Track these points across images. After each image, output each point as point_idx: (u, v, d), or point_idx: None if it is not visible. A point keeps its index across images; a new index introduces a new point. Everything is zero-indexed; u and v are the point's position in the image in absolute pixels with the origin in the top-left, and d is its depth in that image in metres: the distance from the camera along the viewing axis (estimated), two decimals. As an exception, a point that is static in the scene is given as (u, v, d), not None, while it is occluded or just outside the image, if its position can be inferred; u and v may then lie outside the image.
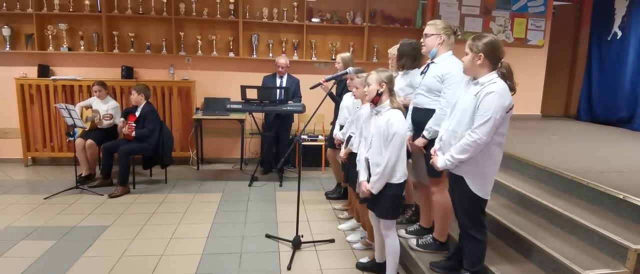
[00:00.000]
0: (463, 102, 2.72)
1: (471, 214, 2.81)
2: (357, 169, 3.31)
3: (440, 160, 2.78)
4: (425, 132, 3.25)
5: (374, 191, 3.00)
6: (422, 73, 3.39)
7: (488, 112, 2.51)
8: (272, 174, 6.34)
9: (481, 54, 2.57)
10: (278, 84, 6.13)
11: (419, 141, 3.29)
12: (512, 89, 2.61)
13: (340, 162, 4.00)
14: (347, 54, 4.96)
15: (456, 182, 2.81)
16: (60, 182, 5.58)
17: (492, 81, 2.57)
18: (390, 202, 3.03)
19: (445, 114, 3.05)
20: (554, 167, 3.75)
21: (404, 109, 3.07)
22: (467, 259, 2.92)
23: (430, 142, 3.20)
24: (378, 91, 2.98)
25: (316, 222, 4.59)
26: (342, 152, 3.94)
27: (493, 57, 2.59)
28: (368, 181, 3.07)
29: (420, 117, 3.30)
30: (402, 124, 2.94)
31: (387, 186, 2.98)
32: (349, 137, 3.83)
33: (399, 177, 2.97)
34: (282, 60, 6.12)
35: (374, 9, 6.87)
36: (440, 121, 3.10)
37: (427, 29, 3.28)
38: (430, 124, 3.21)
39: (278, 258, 3.75)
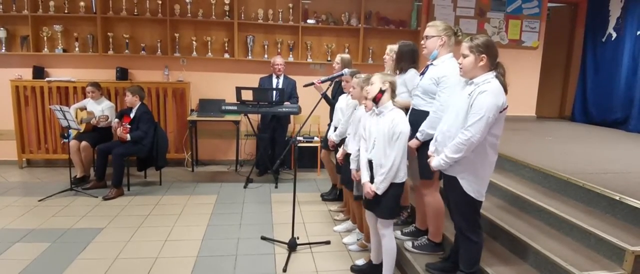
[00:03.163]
0: (457, 103, 2.73)
1: (466, 215, 2.81)
2: (351, 167, 3.36)
3: (435, 160, 2.79)
4: (418, 134, 3.24)
5: (379, 192, 3.00)
6: (421, 74, 3.39)
7: (481, 110, 2.52)
8: (267, 175, 6.32)
9: (484, 55, 2.58)
10: (275, 85, 6.12)
11: (412, 142, 3.29)
12: (505, 89, 2.62)
13: (337, 163, 3.98)
14: (347, 55, 5.00)
15: (450, 183, 2.81)
16: (55, 184, 5.55)
17: (487, 81, 2.59)
18: (392, 202, 3.05)
19: (438, 118, 3.05)
20: (549, 168, 3.75)
21: (405, 110, 3.08)
22: (462, 260, 2.92)
23: (423, 145, 3.21)
24: (381, 88, 2.99)
25: (312, 224, 4.58)
26: (339, 153, 3.93)
27: (492, 57, 2.60)
28: (371, 181, 3.07)
29: (416, 119, 3.29)
30: (407, 124, 2.97)
31: (391, 185, 2.99)
32: (344, 139, 3.82)
33: (402, 176, 3.01)
34: (279, 59, 6.13)
35: (369, 11, 6.87)
36: (434, 123, 3.10)
37: (428, 31, 3.26)
38: (423, 127, 3.20)
39: (273, 260, 3.74)
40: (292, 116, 6.47)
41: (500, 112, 2.57)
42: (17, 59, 6.31)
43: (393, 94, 3.05)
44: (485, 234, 3.33)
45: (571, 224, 3.06)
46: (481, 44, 2.59)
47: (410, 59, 3.72)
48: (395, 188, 3.01)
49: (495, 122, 2.59)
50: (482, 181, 2.73)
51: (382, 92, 3.00)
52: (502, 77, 2.61)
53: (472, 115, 2.56)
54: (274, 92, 5.71)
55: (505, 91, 2.62)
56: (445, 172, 2.82)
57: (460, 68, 2.71)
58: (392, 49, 4.07)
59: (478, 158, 2.67)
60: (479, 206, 2.81)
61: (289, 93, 6.11)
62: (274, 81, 6.19)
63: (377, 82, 3.02)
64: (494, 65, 2.63)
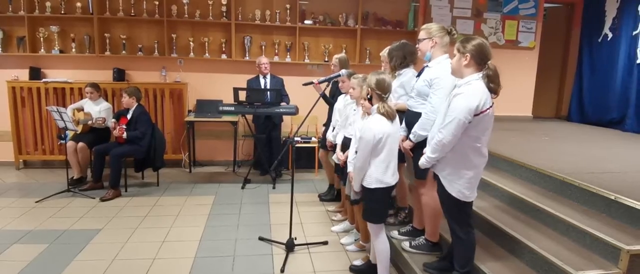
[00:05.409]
0: (444, 105, 2.77)
1: (453, 214, 2.84)
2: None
3: (421, 159, 2.87)
4: (410, 136, 3.28)
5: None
6: (417, 76, 3.41)
7: (453, 113, 2.55)
8: (265, 176, 6.32)
9: (468, 54, 2.59)
10: (263, 85, 6.14)
11: (406, 144, 3.33)
12: (494, 91, 2.60)
13: (340, 165, 3.96)
14: (343, 55, 4.99)
15: (438, 182, 2.86)
16: (52, 186, 5.54)
17: (467, 83, 2.60)
18: (370, 205, 3.12)
19: (430, 119, 3.08)
20: (545, 168, 3.76)
21: (395, 113, 3.06)
22: (456, 260, 2.94)
23: (418, 145, 3.23)
24: (368, 95, 3.03)
25: (309, 224, 4.59)
26: (340, 155, 3.88)
27: (479, 59, 2.58)
28: None
29: (411, 120, 3.32)
30: (371, 131, 2.93)
31: (363, 189, 3.09)
32: (348, 140, 3.79)
33: (369, 182, 3.02)
34: (264, 59, 6.17)
35: (367, 11, 6.88)
36: (425, 125, 3.14)
37: (420, 34, 3.31)
38: (415, 128, 3.23)
39: (271, 260, 3.74)
40: (285, 116, 6.45)
41: (477, 115, 2.54)
42: (13, 60, 6.30)
43: (381, 97, 3.02)
44: (481, 234, 3.36)
45: (567, 224, 3.08)
46: (469, 46, 2.59)
47: (400, 56, 3.68)
48: (366, 192, 3.06)
49: (474, 125, 2.58)
50: (465, 183, 2.71)
51: (369, 99, 3.03)
52: (488, 79, 2.58)
53: (446, 117, 2.60)
54: (270, 92, 5.72)
55: (495, 92, 2.60)
56: (432, 170, 2.88)
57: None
58: (383, 55, 4.08)
59: (458, 159, 2.68)
60: (465, 207, 2.80)
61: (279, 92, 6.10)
62: (262, 81, 6.20)
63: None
64: (482, 67, 2.61)
